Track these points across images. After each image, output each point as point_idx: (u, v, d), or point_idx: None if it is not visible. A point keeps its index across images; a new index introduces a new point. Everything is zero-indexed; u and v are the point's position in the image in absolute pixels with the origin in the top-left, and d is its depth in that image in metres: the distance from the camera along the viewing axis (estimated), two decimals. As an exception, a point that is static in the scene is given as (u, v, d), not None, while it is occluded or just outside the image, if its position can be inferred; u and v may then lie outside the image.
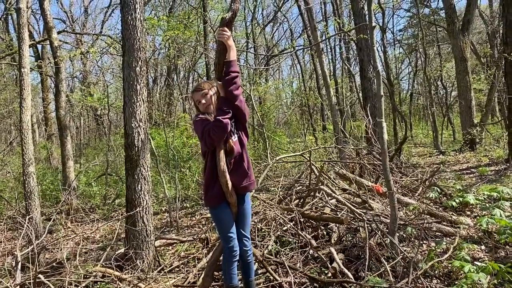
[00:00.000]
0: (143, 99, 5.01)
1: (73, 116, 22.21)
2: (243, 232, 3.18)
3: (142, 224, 4.91)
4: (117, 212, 9.20)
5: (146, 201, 4.95)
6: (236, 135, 3.05)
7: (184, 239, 5.67)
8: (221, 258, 3.35)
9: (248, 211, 3.22)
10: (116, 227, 6.16)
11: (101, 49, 15.46)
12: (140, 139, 4.94)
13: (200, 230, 5.87)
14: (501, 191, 6.69)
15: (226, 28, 2.83)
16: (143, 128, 4.99)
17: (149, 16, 14.45)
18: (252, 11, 20.09)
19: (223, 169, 2.89)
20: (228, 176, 2.92)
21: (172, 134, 9.54)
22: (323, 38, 16.29)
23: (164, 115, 11.99)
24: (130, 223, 4.91)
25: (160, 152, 10.65)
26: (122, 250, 5.16)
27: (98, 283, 4.44)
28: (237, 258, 3.14)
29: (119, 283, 4.02)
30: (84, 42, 19.21)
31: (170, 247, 5.90)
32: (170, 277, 4.46)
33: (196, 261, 4.81)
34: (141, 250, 4.86)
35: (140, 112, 4.98)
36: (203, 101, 3.04)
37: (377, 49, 22.07)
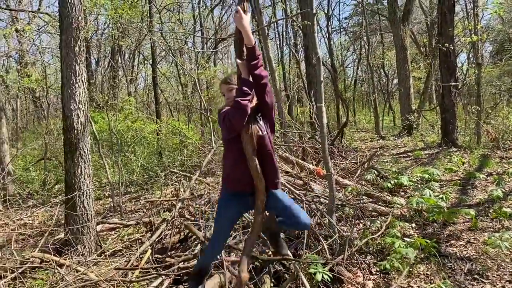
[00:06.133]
0: (82, 80, 4.85)
1: (8, 98, 20.88)
2: (294, 211, 2.82)
3: (83, 209, 4.80)
4: (56, 198, 8.87)
5: (87, 185, 4.83)
6: (262, 126, 2.78)
7: (127, 223, 5.61)
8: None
9: (286, 198, 2.90)
10: (56, 212, 5.97)
11: (39, 27, 14.58)
12: (79, 122, 4.80)
13: (144, 214, 5.83)
14: (432, 173, 7.20)
15: (239, 9, 2.59)
16: (83, 110, 4.84)
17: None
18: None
19: (251, 152, 2.67)
20: (257, 160, 2.69)
21: (115, 117, 9.28)
22: (269, 22, 16.36)
23: (107, 98, 11.60)
24: (70, 207, 4.78)
25: (104, 136, 10.34)
26: (62, 236, 5.03)
27: (36, 269, 4.32)
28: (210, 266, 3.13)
29: (58, 268, 3.93)
30: (20, 19, 18.01)
31: (113, 232, 5.83)
32: (112, 261, 4.42)
33: (139, 245, 4.79)
34: (82, 235, 4.77)
35: (80, 94, 4.82)
36: (227, 95, 2.82)
37: (323, 36, 22.50)
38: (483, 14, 18.48)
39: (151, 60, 13.76)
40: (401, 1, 18.30)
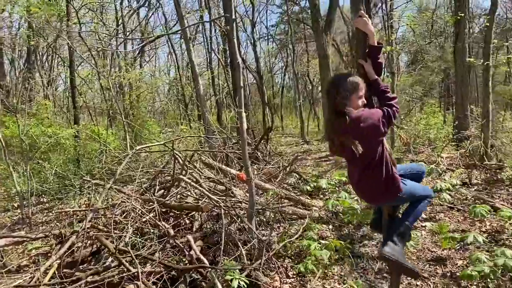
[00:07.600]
0: (-20, 82, 4.44)
1: None
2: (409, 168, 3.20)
3: (-19, 223, 4.38)
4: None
5: (-15, 197, 4.42)
6: None
7: (36, 236, 5.20)
8: None
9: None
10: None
11: None
12: (-23, 127, 4.38)
13: (54, 226, 5.45)
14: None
15: (363, 13, 2.75)
16: (-19, 115, 4.43)
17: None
18: (125, -6, 19.05)
19: (391, 152, 2.81)
20: None
21: (27, 122, 8.60)
22: (193, 24, 16.21)
23: (17, 101, 10.75)
24: (-35, 222, 4.34)
25: (15, 142, 9.55)
26: (-44, 253, 4.55)
27: None
28: None
29: None
30: None
31: (20, 246, 5.38)
32: (14, 278, 4.06)
33: (46, 259, 4.47)
34: (-20, 252, 4.34)
35: (-23, 97, 4.41)
36: (364, 97, 2.74)
37: (251, 42, 22.74)
38: (398, 26, 19.82)
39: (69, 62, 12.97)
40: (324, 11, 19.04)
